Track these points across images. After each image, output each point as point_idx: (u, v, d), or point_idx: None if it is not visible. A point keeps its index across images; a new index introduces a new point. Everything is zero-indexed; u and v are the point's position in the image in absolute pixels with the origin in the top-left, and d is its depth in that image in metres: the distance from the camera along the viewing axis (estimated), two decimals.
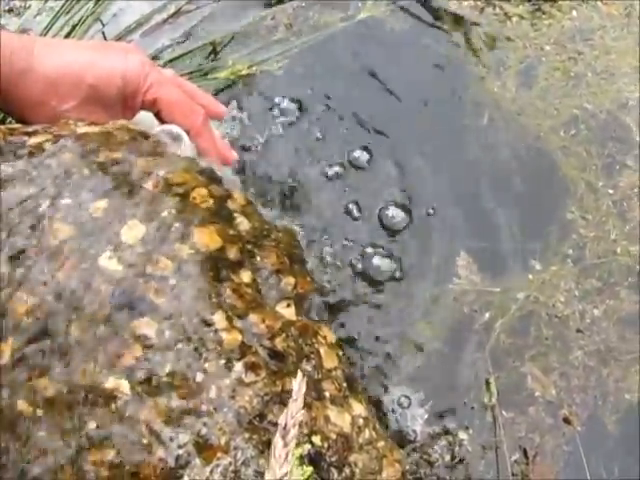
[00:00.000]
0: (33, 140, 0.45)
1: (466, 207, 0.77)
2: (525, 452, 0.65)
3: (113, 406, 0.37)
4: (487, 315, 0.70)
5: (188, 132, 0.55)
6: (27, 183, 0.42)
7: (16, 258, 0.39)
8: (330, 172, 0.78)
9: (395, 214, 0.76)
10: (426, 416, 0.64)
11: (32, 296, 0.38)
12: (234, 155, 0.62)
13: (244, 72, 0.83)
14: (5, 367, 0.37)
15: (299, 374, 0.32)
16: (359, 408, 0.43)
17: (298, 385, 0.31)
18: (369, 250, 0.73)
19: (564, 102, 0.84)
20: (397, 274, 0.72)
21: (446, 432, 0.64)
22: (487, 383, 0.67)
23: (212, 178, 0.48)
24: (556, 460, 0.64)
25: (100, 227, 0.41)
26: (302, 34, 0.88)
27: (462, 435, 0.64)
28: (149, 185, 0.43)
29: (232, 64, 0.85)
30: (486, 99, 0.84)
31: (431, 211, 0.76)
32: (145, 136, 0.48)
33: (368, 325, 0.69)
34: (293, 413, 0.30)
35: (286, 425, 0.30)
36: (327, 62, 0.85)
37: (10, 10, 0.89)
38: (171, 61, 0.84)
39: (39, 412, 0.37)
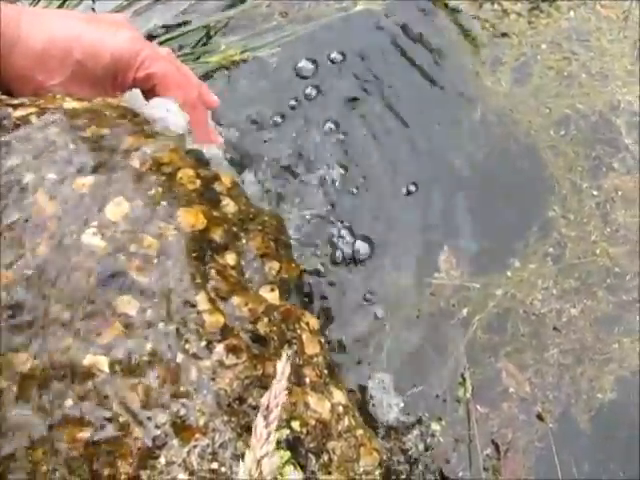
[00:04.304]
0: (19, 112, 0.44)
1: (449, 201, 0.77)
2: (497, 447, 0.65)
3: (91, 384, 0.36)
4: (465, 310, 0.71)
5: (182, 106, 0.54)
6: (11, 156, 0.41)
7: None
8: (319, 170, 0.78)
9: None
10: (402, 405, 0.65)
11: (11, 270, 0.37)
12: (220, 139, 0.62)
13: (236, 57, 0.83)
14: None
15: (284, 355, 0.32)
16: (339, 395, 0.43)
17: (283, 366, 0.31)
18: (350, 239, 0.73)
19: (556, 101, 0.85)
20: (377, 265, 0.72)
21: (420, 422, 0.65)
22: (462, 377, 0.67)
23: (200, 159, 0.48)
24: (528, 456, 0.65)
25: (85, 203, 0.40)
26: (297, 23, 0.87)
27: (435, 427, 0.65)
28: (136, 163, 0.43)
29: (225, 49, 0.84)
30: (480, 94, 0.84)
31: (414, 203, 0.76)
32: (134, 113, 0.48)
33: (346, 315, 0.69)
34: (276, 393, 0.29)
35: (269, 405, 0.30)
36: (320, 52, 0.85)
37: None
38: (163, 42, 0.83)
39: (14, 388, 0.36)
